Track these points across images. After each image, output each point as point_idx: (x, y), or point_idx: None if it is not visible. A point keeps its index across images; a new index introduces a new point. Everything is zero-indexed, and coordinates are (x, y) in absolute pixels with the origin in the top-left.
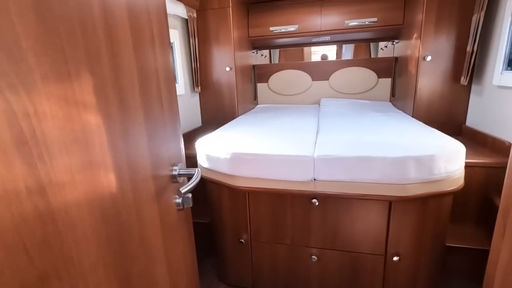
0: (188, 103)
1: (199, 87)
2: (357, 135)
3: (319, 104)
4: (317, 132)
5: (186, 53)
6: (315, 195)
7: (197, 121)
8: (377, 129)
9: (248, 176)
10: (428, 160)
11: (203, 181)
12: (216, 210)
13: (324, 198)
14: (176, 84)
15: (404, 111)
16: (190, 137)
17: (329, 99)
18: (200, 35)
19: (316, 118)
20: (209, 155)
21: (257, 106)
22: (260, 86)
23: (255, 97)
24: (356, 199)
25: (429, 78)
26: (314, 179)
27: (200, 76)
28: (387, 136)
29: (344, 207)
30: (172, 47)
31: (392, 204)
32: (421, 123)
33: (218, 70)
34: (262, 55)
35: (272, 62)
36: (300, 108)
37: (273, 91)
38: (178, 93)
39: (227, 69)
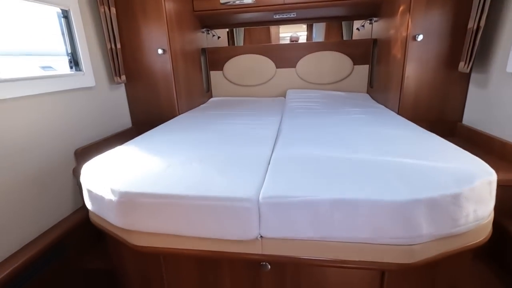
0: (105, 98)
1: (122, 77)
2: (329, 150)
3: (285, 97)
4: (275, 143)
5: (97, 29)
6: (264, 259)
7: (124, 121)
8: (357, 137)
9: (156, 231)
10: (450, 205)
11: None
12: (117, 274)
13: (280, 263)
14: (79, 73)
15: (386, 106)
16: (111, 143)
17: (296, 90)
18: (119, 4)
19: (279, 117)
20: (91, 192)
21: (210, 99)
22: (214, 75)
23: (208, 89)
24: (330, 267)
25: (419, 64)
26: (261, 236)
27: (125, 61)
28: (373, 150)
29: (311, 276)
30: (67, 16)
31: (386, 273)
32: (414, 125)
33: (149, 54)
34: (213, 35)
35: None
36: (261, 103)
37: (229, 81)
38: (82, 85)
39: (159, 51)
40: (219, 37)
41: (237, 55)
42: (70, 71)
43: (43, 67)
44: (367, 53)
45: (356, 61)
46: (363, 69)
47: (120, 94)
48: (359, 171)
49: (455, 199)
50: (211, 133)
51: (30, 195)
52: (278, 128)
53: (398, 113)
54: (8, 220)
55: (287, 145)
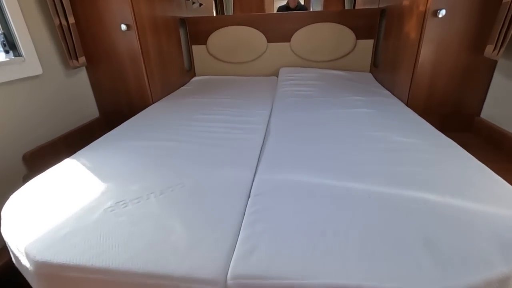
0: (59, 87)
1: (80, 59)
2: (327, 174)
3: (277, 76)
4: (260, 158)
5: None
6: None
7: (90, 112)
8: (361, 148)
9: None
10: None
11: None
12: None
13: None
14: (18, 59)
15: (392, 92)
16: (70, 142)
17: (290, 69)
18: None
19: (269, 108)
20: (9, 247)
21: (193, 79)
22: (197, 50)
23: (190, 66)
24: None
25: (438, 46)
26: None
27: (83, 40)
28: (385, 175)
29: None
30: None
31: None
32: (429, 126)
33: (110, 30)
34: (194, 2)
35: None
36: (250, 85)
37: (214, 57)
38: (23, 74)
39: (123, 27)
40: (201, 5)
41: (222, 27)
42: (6, 57)
43: None
44: (373, 26)
45: (360, 34)
46: (367, 45)
47: (80, 80)
48: (368, 222)
49: (503, 284)
50: (184, 140)
51: None
52: (266, 129)
53: (408, 103)
54: None
55: (273, 167)
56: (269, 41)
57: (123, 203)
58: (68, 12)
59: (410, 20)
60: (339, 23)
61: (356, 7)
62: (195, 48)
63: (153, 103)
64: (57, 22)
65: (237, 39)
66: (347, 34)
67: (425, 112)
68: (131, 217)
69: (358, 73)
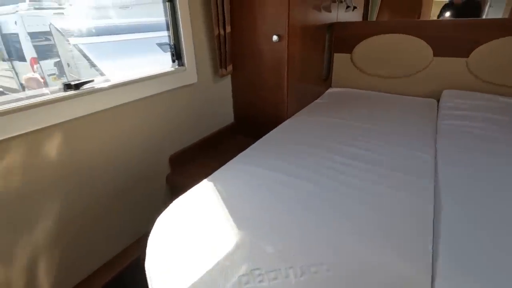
0: (207, 94)
1: (228, 67)
2: None
3: (438, 101)
4: (434, 238)
5: (205, 11)
6: None
7: (227, 117)
8: None
9: None
10: None
11: None
12: None
13: None
14: (181, 69)
15: None
16: (209, 147)
17: (460, 92)
18: None
19: (430, 143)
20: (151, 284)
21: (328, 91)
22: (339, 59)
23: (327, 76)
24: None
25: None
26: None
27: (233, 49)
28: None
29: None
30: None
31: None
32: None
33: (260, 38)
34: (348, 6)
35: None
36: (397, 105)
37: (357, 68)
38: (182, 83)
39: (274, 38)
40: (355, 8)
41: (374, 34)
42: (172, 66)
43: (160, 44)
44: None
45: None
46: None
47: (224, 86)
48: None
49: None
50: (321, 182)
51: (120, 207)
52: (435, 188)
53: None
54: (97, 234)
55: (463, 269)
56: (435, 54)
57: (259, 275)
58: (227, 21)
59: None
60: None
61: None
62: (337, 56)
63: (287, 115)
64: (216, 32)
65: (391, 48)
66: None
67: None
68: None
69: None
